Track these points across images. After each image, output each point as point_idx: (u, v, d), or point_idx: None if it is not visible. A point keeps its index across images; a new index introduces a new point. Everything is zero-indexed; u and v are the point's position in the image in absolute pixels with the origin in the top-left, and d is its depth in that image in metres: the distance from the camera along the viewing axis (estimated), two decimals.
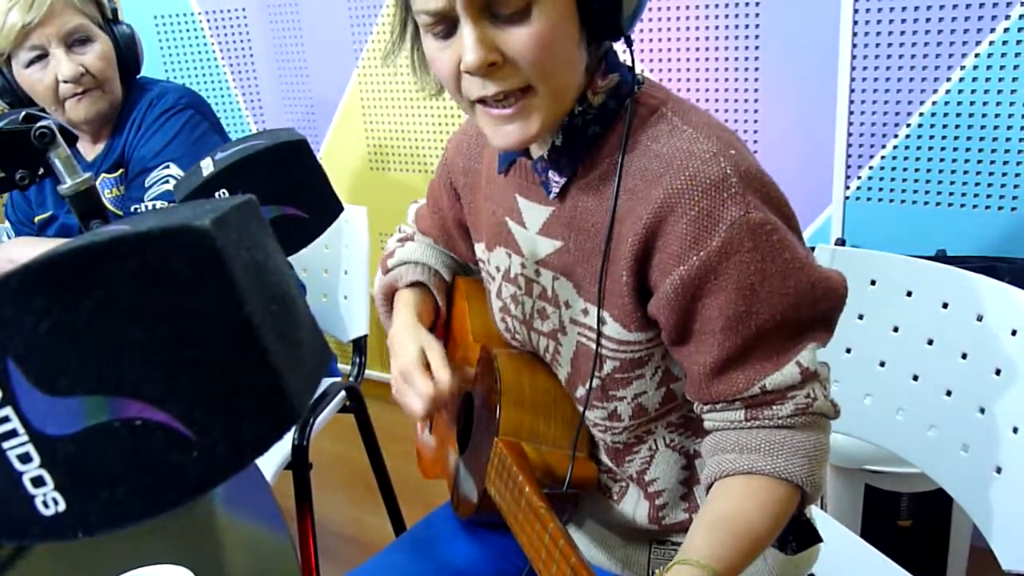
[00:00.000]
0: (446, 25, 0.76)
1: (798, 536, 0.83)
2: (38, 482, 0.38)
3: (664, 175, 0.78)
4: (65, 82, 1.45)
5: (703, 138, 0.78)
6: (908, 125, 1.67)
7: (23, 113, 0.85)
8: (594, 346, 0.87)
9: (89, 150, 1.61)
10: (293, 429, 1.50)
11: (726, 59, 1.82)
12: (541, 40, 0.74)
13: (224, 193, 0.81)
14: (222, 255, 0.37)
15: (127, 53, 1.54)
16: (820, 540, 0.84)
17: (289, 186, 0.83)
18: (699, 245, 0.76)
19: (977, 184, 1.63)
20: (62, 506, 0.38)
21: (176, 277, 0.37)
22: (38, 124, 0.82)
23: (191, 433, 0.37)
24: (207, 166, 0.82)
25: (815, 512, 1.04)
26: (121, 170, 1.58)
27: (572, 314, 0.90)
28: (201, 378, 0.38)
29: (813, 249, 1.25)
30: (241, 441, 0.38)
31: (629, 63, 0.85)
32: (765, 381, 0.77)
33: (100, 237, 0.37)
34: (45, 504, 0.38)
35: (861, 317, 1.23)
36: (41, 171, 0.88)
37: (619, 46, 0.85)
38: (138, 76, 1.60)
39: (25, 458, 0.38)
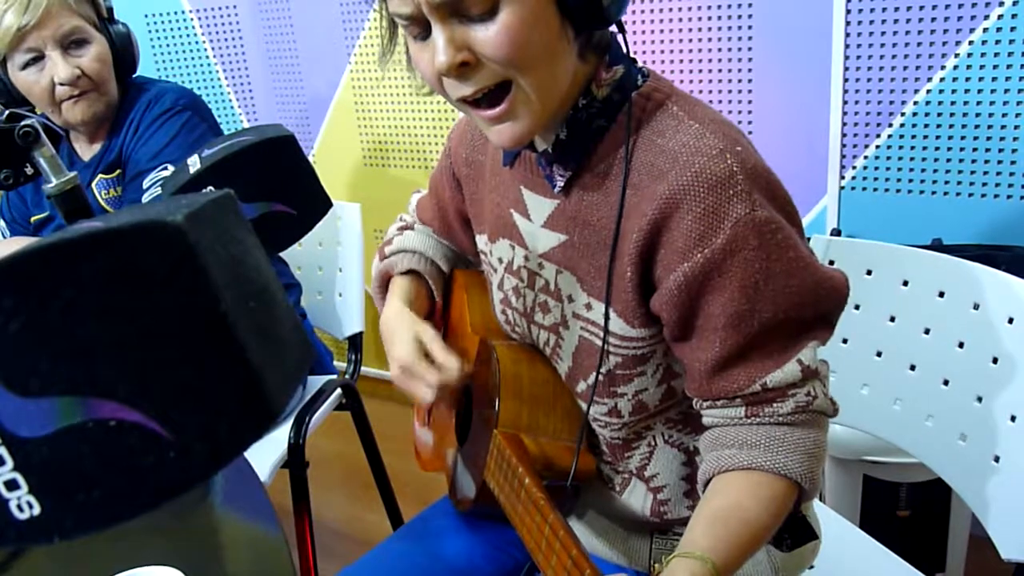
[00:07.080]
0: (421, 27, 0.76)
1: (793, 533, 0.83)
2: (12, 485, 0.37)
3: (670, 171, 0.77)
4: (61, 84, 1.44)
5: (709, 134, 0.78)
6: (903, 114, 1.66)
7: (7, 112, 0.84)
8: (598, 341, 0.87)
9: (86, 150, 1.60)
10: (289, 427, 1.49)
11: (719, 49, 1.81)
12: (510, 35, 0.73)
13: (211, 190, 0.80)
14: (196, 251, 0.36)
15: (123, 53, 1.53)
16: (816, 537, 0.84)
17: (277, 182, 0.82)
18: (704, 242, 0.75)
19: (973, 172, 1.62)
20: (37, 510, 0.38)
21: (149, 274, 0.36)
22: (21, 123, 0.81)
23: (167, 433, 0.37)
24: (194, 163, 0.81)
25: (814, 503, 1.04)
26: (118, 171, 1.57)
27: (575, 308, 0.90)
28: (176, 377, 0.37)
29: (809, 239, 1.25)
30: (218, 441, 0.37)
31: (624, 51, 0.84)
32: (766, 379, 0.77)
33: (71, 234, 0.36)
34: (20, 508, 0.38)
35: (857, 307, 1.22)
36: (31, 171, 0.87)
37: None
38: (134, 76, 1.59)
39: None
